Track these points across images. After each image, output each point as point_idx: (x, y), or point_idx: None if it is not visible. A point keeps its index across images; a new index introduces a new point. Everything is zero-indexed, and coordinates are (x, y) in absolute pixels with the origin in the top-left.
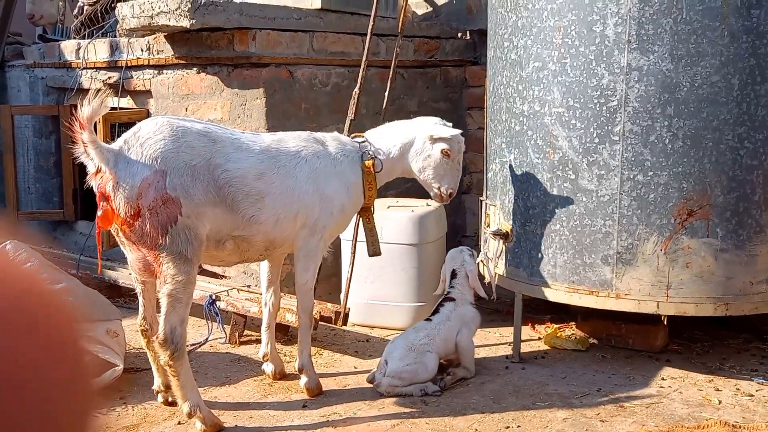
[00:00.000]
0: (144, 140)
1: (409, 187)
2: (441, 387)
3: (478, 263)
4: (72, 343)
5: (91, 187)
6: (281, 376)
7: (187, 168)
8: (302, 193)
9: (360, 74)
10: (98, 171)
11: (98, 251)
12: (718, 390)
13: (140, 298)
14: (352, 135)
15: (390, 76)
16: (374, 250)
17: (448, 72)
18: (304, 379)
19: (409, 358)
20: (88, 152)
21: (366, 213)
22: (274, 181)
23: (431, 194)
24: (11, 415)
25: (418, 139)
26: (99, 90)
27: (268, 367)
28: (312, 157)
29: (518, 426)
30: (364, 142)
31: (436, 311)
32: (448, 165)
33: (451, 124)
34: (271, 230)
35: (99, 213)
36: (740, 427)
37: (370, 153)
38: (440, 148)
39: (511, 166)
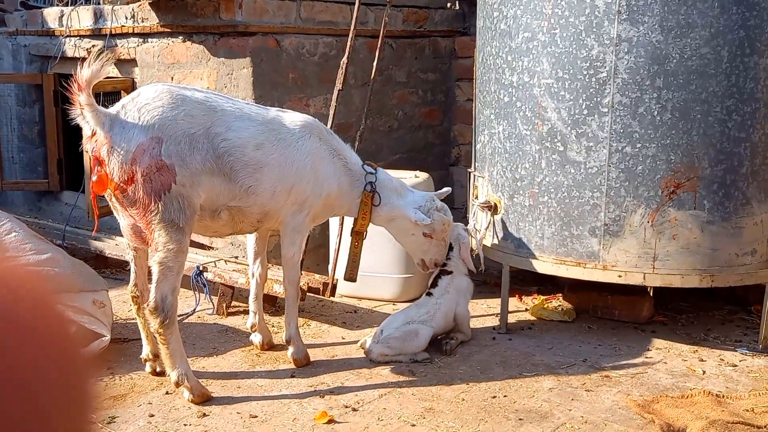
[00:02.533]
0: (142, 106)
1: (398, 159)
2: (447, 350)
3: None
4: (68, 345)
5: (76, 157)
6: (269, 346)
7: (184, 136)
8: (300, 166)
9: (348, 44)
10: (93, 134)
11: (95, 213)
12: (702, 360)
13: (132, 265)
14: (367, 161)
15: (378, 46)
16: (351, 276)
17: (437, 42)
18: (291, 349)
19: (403, 329)
20: (84, 115)
21: (357, 237)
22: (273, 152)
23: (415, 262)
24: (9, 416)
25: (402, 217)
26: (101, 53)
27: (256, 338)
28: (316, 137)
29: (505, 396)
30: (372, 173)
31: (434, 284)
32: (431, 243)
33: (437, 203)
34: (268, 201)
35: (94, 178)
36: (724, 396)
37: (374, 186)
38: (422, 230)
39: (499, 138)
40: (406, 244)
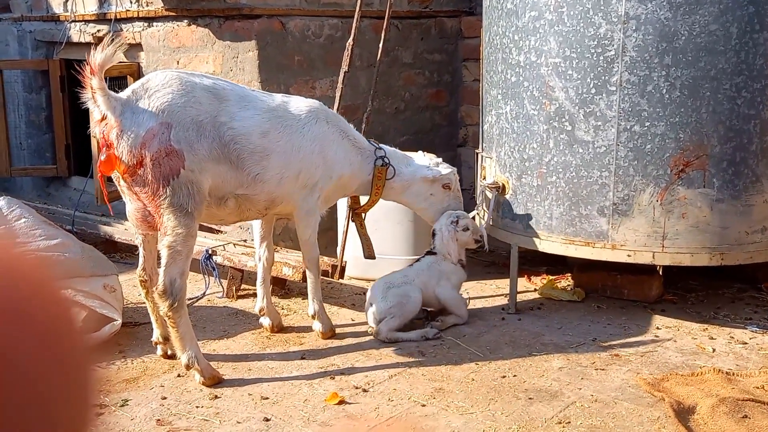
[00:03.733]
0: (152, 92)
1: (405, 141)
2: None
3: (473, 216)
4: (67, 330)
5: (84, 142)
6: (279, 329)
7: (192, 123)
8: (308, 152)
9: (353, 25)
10: (103, 118)
11: (104, 194)
12: (712, 338)
13: (140, 249)
14: (370, 139)
15: (384, 27)
16: (370, 254)
17: (443, 23)
18: (317, 324)
19: (392, 294)
20: (96, 99)
21: (358, 218)
22: (280, 139)
23: None
24: (8, 402)
25: (419, 181)
26: (114, 38)
27: (266, 321)
28: (323, 121)
29: (514, 375)
30: (380, 149)
31: (417, 260)
32: (449, 196)
33: (439, 159)
34: (275, 189)
35: (102, 157)
36: (734, 374)
37: (386, 160)
38: (441, 184)
39: (507, 118)
40: (428, 208)
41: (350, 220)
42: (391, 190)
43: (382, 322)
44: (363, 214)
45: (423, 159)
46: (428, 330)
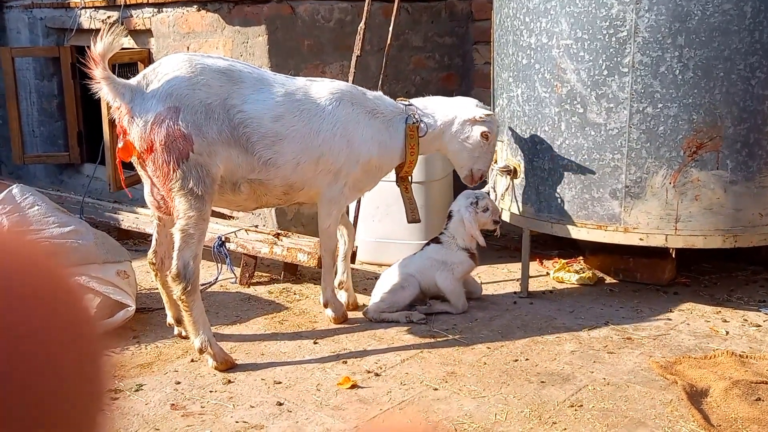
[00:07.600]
0: (161, 76)
1: None
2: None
3: (488, 192)
4: (79, 318)
5: (96, 129)
6: (353, 307)
7: (201, 106)
8: (329, 136)
9: (365, 9)
10: (118, 106)
11: (121, 179)
12: (725, 321)
13: (154, 233)
14: (398, 98)
15: (394, 10)
16: (413, 218)
17: (453, 5)
18: (329, 311)
19: (387, 281)
20: (102, 88)
21: (404, 183)
22: (294, 124)
23: (461, 176)
24: (20, 390)
25: (458, 121)
26: (112, 26)
27: (342, 297)
28: (347, 103)
29: (526, 359)
30: (410, 105)
31: (422, 249)
32: (484, 147)
33: (488, 108)
34: (290, 174)
35: (119, 144)
36: (747, 356)
37: (416, 117)
38: (480, 131)
39: (518, 101)
40: (460, 153)
41: (396, 184)
42: (430, 144)
43: (372, 303)
44: (409, 177)
45: (464, 101)
46: (413, 313)
